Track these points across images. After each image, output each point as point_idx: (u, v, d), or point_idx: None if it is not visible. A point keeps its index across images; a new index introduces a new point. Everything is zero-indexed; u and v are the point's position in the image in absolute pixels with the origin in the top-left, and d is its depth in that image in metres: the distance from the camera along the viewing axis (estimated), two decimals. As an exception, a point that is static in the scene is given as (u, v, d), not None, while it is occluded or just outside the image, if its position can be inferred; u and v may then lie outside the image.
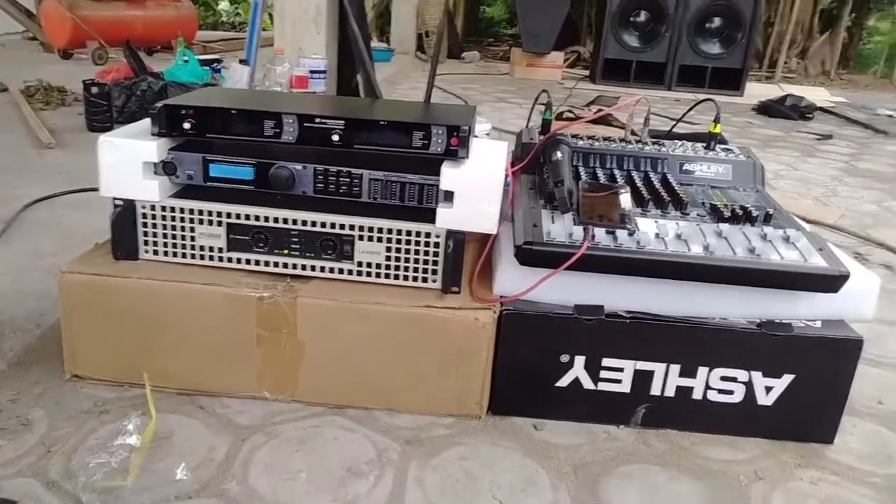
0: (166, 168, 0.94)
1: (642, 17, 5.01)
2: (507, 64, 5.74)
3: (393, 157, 0.93)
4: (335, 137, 0.92)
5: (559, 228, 0.89)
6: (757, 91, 5.00)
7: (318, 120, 0.92)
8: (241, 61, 2.58)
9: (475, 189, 0.89)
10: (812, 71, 6.55)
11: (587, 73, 5.74)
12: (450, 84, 4.48)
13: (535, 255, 0.87)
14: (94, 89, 2.33)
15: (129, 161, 0.92)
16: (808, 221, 1.95)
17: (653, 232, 0.90)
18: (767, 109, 4.13)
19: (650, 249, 0.87)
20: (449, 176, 0.90)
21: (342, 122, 0.91)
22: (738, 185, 1.13)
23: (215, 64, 2.81)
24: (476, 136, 1.79)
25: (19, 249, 1.39)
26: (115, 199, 0.94)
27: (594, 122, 3.33)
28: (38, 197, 1.63)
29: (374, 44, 6.05)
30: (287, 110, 0.92)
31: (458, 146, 0.91)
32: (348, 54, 2.85)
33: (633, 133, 1.29)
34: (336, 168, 0.94)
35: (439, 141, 0.91)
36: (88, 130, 2.39)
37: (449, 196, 0.90)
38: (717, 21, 4.94)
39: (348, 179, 0.94)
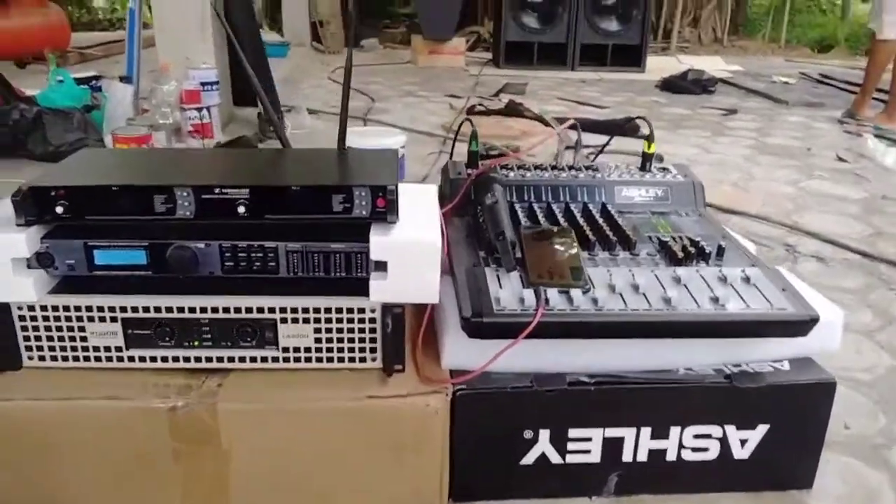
0: (41, 260, 0.78)
1: (539, -4, 4.98)
2: (408, 50, 5.61)
3: (311, 224, 0.81)
4: (241, 209, 0.79)
5: (508, 293, 0.80)
6: (657, 65, 5.08)
7: (218, 190, 0.78)
8: (122, 78, 2.35)
9: (411, 257, 0.79)
10: (705, 39, 6.74)
11: (489, 55, 5.69)
12: (352, 78, 4.31)
13: (485, 328, 0.77)
14: (-46, 125, 2.07)
15: (-7, 258, 0.76)
16: (734, 213, 1.95)
17: (607, 284, 0.83)
18: (670, 85, 4.18)
19: (609, 309, 0.79)
20: (379, 245, 0.79)
21: (247, 190, 0.79)
22: (679, 208, 1.07)
23: (94, 82, 2.56)
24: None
25: None
26: (-20, 303, 0.78)
27: (506, 113, 3.27)
28: None
29: (267, 36, 5.79)
30: (180, 181, 0.79)
31: (385, 208, 0.80)
32: (239, 60, 2.67)
33: (567, 147, 1.20)
34: (246, 242, 0.81)
35: (363, 203, 0.80)
36: (-47, 171, 2.13)
37: (381, 266, 0.79)
38: (612, -2, 4.97)
39: (262, 254, 0.82)
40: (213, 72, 2.41)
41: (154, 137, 2.02)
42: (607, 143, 1.28)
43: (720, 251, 0.91)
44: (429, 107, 3.59)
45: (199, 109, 2.30)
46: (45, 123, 2.12)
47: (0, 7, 4.01)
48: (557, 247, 0.88)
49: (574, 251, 0.87)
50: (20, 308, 0.78)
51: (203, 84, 2.37)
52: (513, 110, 3.28)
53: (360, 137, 1.82)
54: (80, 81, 2.52)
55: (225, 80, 2.64)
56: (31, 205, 0.76)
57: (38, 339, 0.80)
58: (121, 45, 4.22)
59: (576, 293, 0.80)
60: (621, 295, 0.81)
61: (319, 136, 2.79)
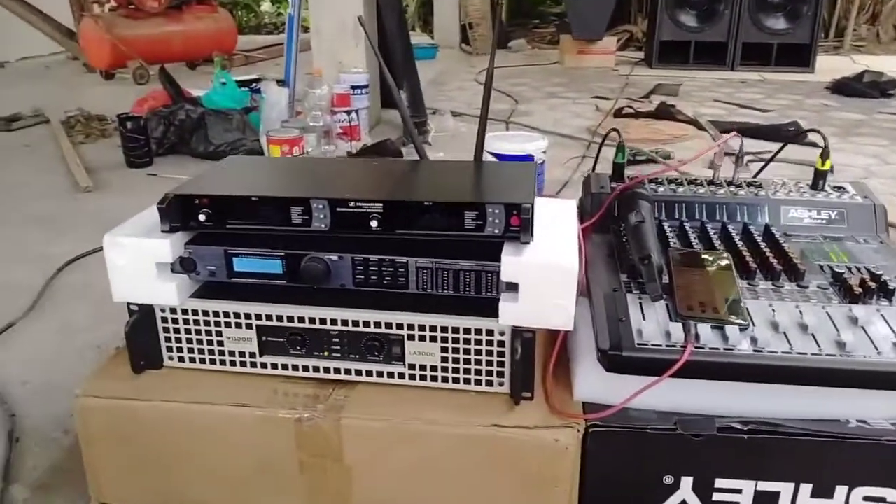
0: (184, 265, 0.81)
1: (699, -7, 4.72)
2: (556, 50, 5.51)
3: (443, 240, 0.78)
4: (374, 223, 0.77)
5: (652, 325, 0.73)
6: (827, 66, 4.66)
7: (352, 204, 0.77)
8: (279, 82, 2.46)
9: (545, 280, 0.73)
10: (884, 38, 6.10)
11: (641, 55, 5.47)
12: (498, 80, 4.29)
13: (624, 363, 0.71)
14: (130, 124, 2.25)
15: (140, 263, 0.79)
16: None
17: (769, 322, 0.73)
18: (843, 88, 3.81)
19: (771, 352, 0.70)
20: (511, 265, 0.74)
21: (380, 204, 0.77)
22: (856, 234, 0.94)
23: (254, 85, 2.70)
24: (540, 162, 1.63)
25: (49, 326, 1.30)
26: (129, 304, 0.82)
27: (656, 116, 3.12)
28: (72, 257, 1.55)
29: (418, 38, 5.90)
30: (316, 193, 0.78)
31: (519, 227, 0.75)
32: (389, 61, 2.72)
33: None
34: (377, 257, 0.79)
35: (496, 221, 0.76)
36: (127, 166, 2.32)
37: (513, 287, 0.75)
38: (780, -7, 4.61)
39: (392, 269, 0.80)
40: (364, 76, 2.47)
41: (305, 139, 2.09)
42: (774, 156, 1.15)
43: (907, 288, 0.79)
44: (574, 109, 3.50)
45: (349, 112, 2.37)
46: (207, 124, 2.26)
47: (175, 12, 4.35)
48: (711, 274, 0.79)
49: (731, 280, 0.78)
50: (163, 310, 0.81)
51: (353, 88, 2.44)
52: (664, 113, 3.12)
53: (501, 142, 1.78)
54: (241, 84, 2.68)
55: (374, 84, 2.71)
56: (176, 212, 0.79)
57: (178, 340, 0.83)
58: (282, 48, 4.47)
59: (731, 330, 0.71)
60: (786, 335, 0.71)
61: (462, 139, 2.79)
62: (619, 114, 3.19)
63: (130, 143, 2.28)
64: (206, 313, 0.81)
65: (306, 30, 3.03)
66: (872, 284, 0.79)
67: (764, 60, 4.68)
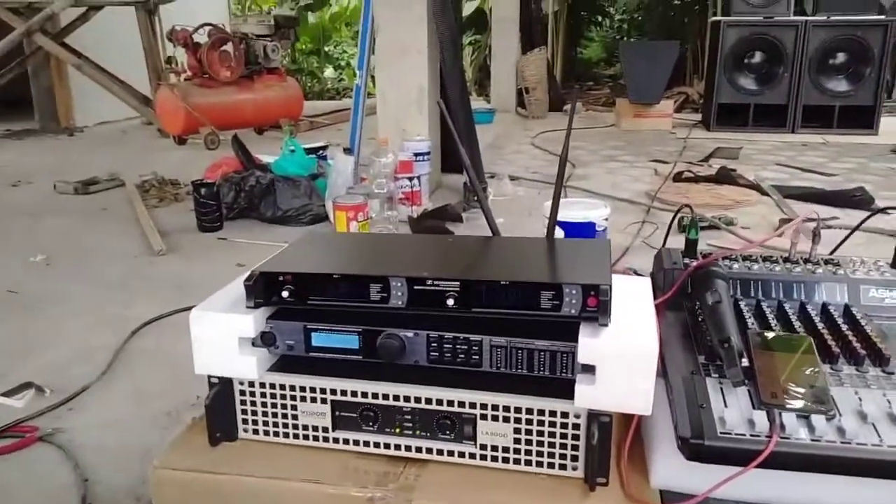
0: (265, 339, 0.83)
1: (757, 57, 4.72)
2: (611, 112, 5.55)
3: (518, 319, 0.78)
4: (450, 301, 0.78)
5: (734, 413, 0.71)
6: (891, 128, 4.57)
7: (430, 282, 0.79)
8: (346, 150, 2.54)
9: (623, 363, 0.73)
10: (953, 98, 5.96)
11: (698, 117, 5.46)
12: (555, 143, 4.34)
13: (706, 452, 0.69)
14: (203, 190, 2.35)
15: (224, 337, 0.82)
16: None
17: (856, 411, 0.71)
18: (911, 151, 3.72)
19: (859, 444, 0.67)
20: (588, 347, 0.74)
21: (457, 283, 0.78)
22: (944, 316, 0.91)
23: (321, 152, 2.80)
24: (600, 228, 1.62)
25: (123, 390, 1.34)
26: (210, 377, 0.84)
27: (717, 181, 3.09)
28: (145, 320, 1.60)
29: (475, 103, 6.04)
30: (395, 272, 0.80)
31: (597, 308, 0.75)
32: (449, 130, 2.78)
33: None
34: (452, 334, 0.80)
35: (573, 302, 0.76)
36: (199, 231, 2.41)
37: (589, 369, 0.74)
38: (841, 56, 4.57)
39: (466, 347, 0.80)
40: (426, 143, 2.54)
41: (369, 205, 2.14)
42: (853, 232, 1.13)
43: None
44: (632, 172, 3.49)
45: (411, 178, 2.42)
46: (276, 189, 2.34)
47: (246, 81, 4.56)
48: (794, 358, 0.77)
49: (815, 365, 0.76)
50: (241, 383, 0.83)
51: (416, 155, 2.51)
52: (725, 177, 3.09)
53: (563, 209, 1.77)
54: (308, 151, 2.77)
55: (435, 150, 2.77)
56: (261, 288, 0.82)
57: (254, 413, 0.84)
58: (345, 113, 4.62)
59: (818, 419, 0.69)
60: (874, 426, 0.69)
61: (520, 203, 2.82)
62: (678, 178, 3.18)
63: (203, 209, 2.37)
64: (282, 387, 0.83)
65: (369, 95, 3.14)
66: (966, 373, 0.75)
67: (825, 122, 4.62)
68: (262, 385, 0.83)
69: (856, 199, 2.59)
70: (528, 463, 0.78)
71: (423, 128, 2.62)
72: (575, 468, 0.77)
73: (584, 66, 9.61)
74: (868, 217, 1.13)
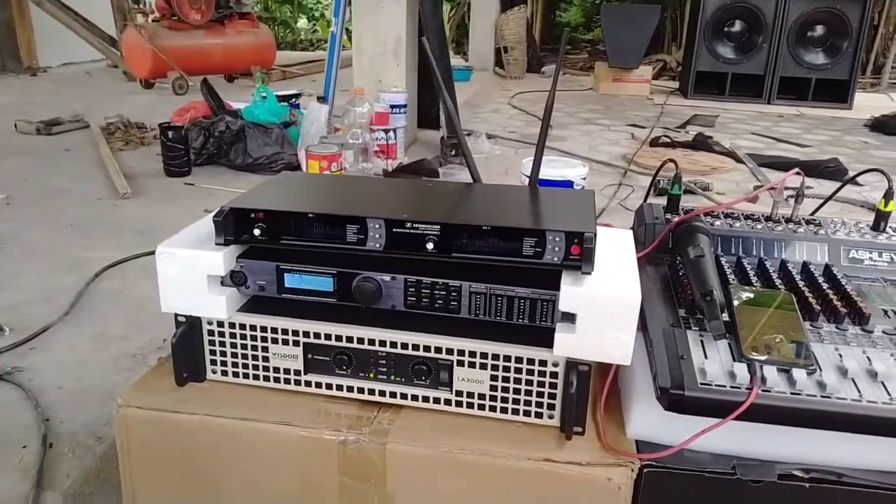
0: (235, 278, 0.80)
1: (737, 26, 4.70)
2: (589, 76, 5.51)
3: (498, 266, 0.76)
4: (430, 245, 0.76)
5: (715, 365, 0.70)
6: (865, 103, 4.61)
7: (409, 224, 0.76)
8: (320, 98, 2.48)
9: (605, 312, 0.71)
10: (925, 76, 6.03)
11: (675, 84, 5.45)
12: (532, 104, 4.30)
13: (686, 403, 0.68)
14: (171, 133, 2.27)
15: (192, 274, 0.78)
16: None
17: (836, 367, 0.70)
18: (883, 125, 3.76)
19: (839, 398, 0.67)
20: (570, 295, 0.72)
21: (437, 226, 0.75)
22: (922, 278, 0.91)
23: (293, 100, 2.72)
24: (578, 185, 1.61)
25: (85, 332, 1.30)
26: (177, 315, 0.81)
27: (694, 147, 3.09)
28: (109, 263, 1.55)
29: (452, 61, 5.94)
30: (373, 213, 0.77)
31: (580, 257, 0.73)
32: (427, 81, 2.72)
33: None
34: (431, 279, 0.78)
35: (556, 249, 0.74)
36: (166, 175, 2.34)
37: (569, 318, 0.73)
38: (819, 29, 4.58)
39: (445, 292, 0.78)
40: (403, 95, 2.48)
41: (343, 156, 2.09)
42: (834, 194, 1.13)
43: (979, 337, 0.75)
44: (609, 136, 3.48)
45: (387, 131, 2.37)
46: (247, 136, 2.27)
47: (217, 25, 4.41)
48: (776, 313, 0.77)
49: (797, 321, 0.75)
50: (210, 323, 0.80)
51: (392, 107, 2.45)
52: (701, 144, 3.09)
53: (542, 167, 1.76)
54: (281, 99, 2.70)
55: (412, 104, 2.72)
56: (231, 226, 0.78)
57: (223, 354, 0.82)
58: (319, 64, 4.51)
59: (799, 373, 0.68)
60: (854, 381, 0.69)
61: (497, 162, 2.79)
62: (655, 143, 3.17)
63: (170, 153, 2.30)
64: (253, 328, 0.80)
65: (344, 48, 3.06)
66: (943, 332, 0.75)
67: (801, 95, 4.64)
68: (232, 325, 0.80)
69: (829, 170, 2.61)
70: (505, 410, 0.77)
71: (401, 80, 2.56)
72: (551, 417, 0.76)
73: (561, 30, 9.51)
74: (847, 181, 1.12)
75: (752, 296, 0.80)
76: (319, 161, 1.94)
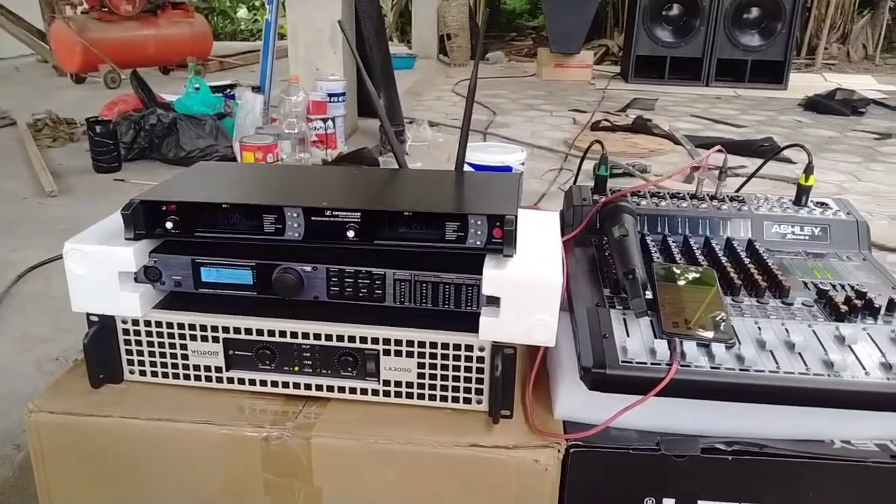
0: (149, 274, 0.77)
1: (675, 10, 4.77)
2: (533, 63, 5.53)
3: (422, 252, 0.75)
4: (350, 233, 0.74)
5: (636, 342, 0.70)
6: (800, 83, 4.74)
7: (328, 212, 0.74)
8: (254, 88, 2.42)
9: (527, 294, 0.71)
10: (854, 56, 6.23)
11: (617, 69, 5.51)
12: (477, 91, 4.28)
13: (608, 381, 0.68)
14: (98, 128, 2.19)
15: (102, 271, 0.75)
16: (889, 250, 1.74)
17: (755, 340, 0.71)
18: (816, 105, 3.87)
19: (757, 371, 0.68)
20: (493, 279, 0.71)
21: (357, 213, 0.74)
22: (839, 250, 0.93)
23: (228, 90, 2.66)
24: (517, 169, 1.61)
25: (8, 336, 1.24)
26: (89, 315, 0.77)
27: (633, 130, 3.13)
28: (33, 264, 1.49)
29: (395, 48, 5.89)
30: (290, 201, 0.75)
31: (502, 240, 0.72)
32: (367, 68, 2.69)
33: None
34: (353, 268, 0.76)
35: (478, 233, 0.73)
36: (95, 171, 2.26)
37: (494, 301, 0.72)
38: (755, 11, 4.68)
39: (368, 281, 0.77)
40: (341, 84, 2.44)
41: (279, 146, 2.05)
42: (758, 170, 1.14)
43: (891, 305, 0.77)
44: (551, 121, 3.50)
45: (325, 120, 2.33)
46: (179, 129, 2.21)
47: (149, 16, 4.28)
48: (696, 290, 0.77)
49: (717, 296, 0.76)
50: (125, 322, 0.77)
51: (330, 95, 2.41)
52: (640, 127, 3.13)
53: (479, 153, 1.75)
54: (215, 90, 2.63)
55: (351, 92, 2.68)
56: (141, 219, 0.75)
57: (140, 353, 0.78)
58: (258, 54, 4.41)
59: (718, 348, 0.69)
60: (772, 353, 0.70)
61: (439, 149, 2.77)
62: (595, 127, 3.20)
63: (98, 148, 2.21)
64: (170, 325, 0.77)
65: (284, 37, 3.00)
66: (858, 302, 0.77)
67: (738, 77, 4.74)
68: (148, 323, 0.77)
69: (763, 149, 2.67)
70: (433, 398, 0.76)
71: (338, 67, 2.52)
72: (480, 402, 0.75)
73: (507, 17, 9.53)
74: (769, 158, 1.14)
75: (674, 273, 0.81)
76: (254, 152, 1.90)
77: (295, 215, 0.74)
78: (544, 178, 2.39)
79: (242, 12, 8.89)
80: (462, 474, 0.71)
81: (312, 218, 0.74)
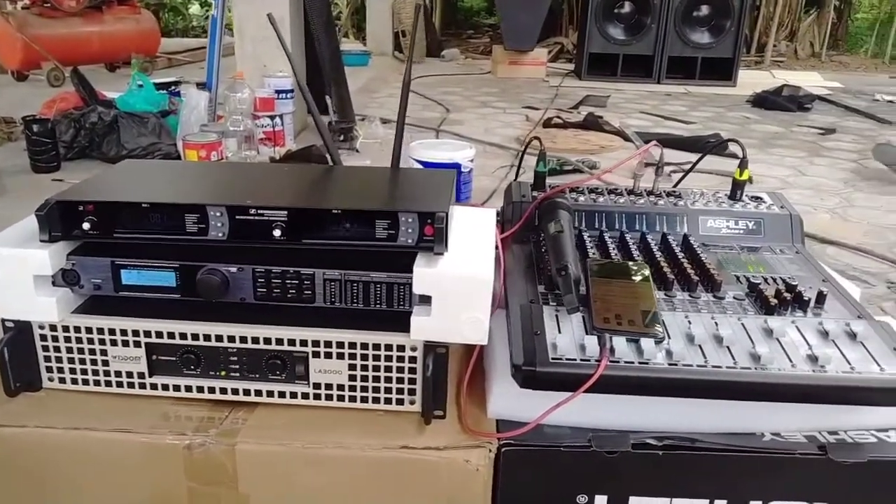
0: (67, 278, 0.74)
1: (627, 8, 4.81)
2: (489, 60, 5.53)
3: (352, 251, 0.73)
4: (277, 232, 0.72)
5: (567, 339, 0.70)
6: (749, 80, 4.82)
7: (253, 211, 0.72)
8: (200, 85, 2.37)
9: (458, 292, 0.70)
10: (802, 54, 6.38)
11: (571, 66, 5.55)
12: (430, 88, 4.28)
13: (538, 379, 0.68)
14: (36, 126, 2.12)
15: (17, 275, 0.72)
16: (831, 243, 1.78)
17: (685, 334, 0.71)
18: (763, 101, 3.94)
19: (685, 365, 0.68)
20: (423, 277, 0.70)
21: (284, 212, 0.72)
22: (774, 244, 0.94)
23: (173, 87, 2.59)
24: (465, 169, 1.60)
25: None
26: (4, 320, 0.74)
27: (584, 127, 3.15)
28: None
29: (351, 45, 5.84)
30: (213, 200, 0.72)
31: (433, 237, 0.71)
32: (315, 65, 2.65)
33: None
34: (281, 268, 0.74)
35: (409, 231, 0.72)
36: (33, 171, 2.18)
37: (425, 300, 0.71)
38: (704, 9, 4.74)
39: (297, 281, 0.75)
40: (289, 80, 2.40)
41: (224, 144, 2.01)
42: (694, 166, 1.15)
43: (820, 298, 0.78)
44: (505, 118, 3.50)
45: (272, 117, 2.29)
46: (120, 127, 2.15)
47: (94, 12, 4.16)
48: (629, 285, 0.77)
49: (649, 292, 0.76)
50: (42, 327, 0.74)
51: (278, 92, 2.37)
52: (592, 124, 3.15)
53: (428, 150, 1.74)
54: (160, 87, 2.56)
55: (300, 91, 2.64)
56: (58, 220, 0.72)
57: (59, 360, 0.75)
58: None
59: (647, 343, 0.69)
60: (701, 347, 0.70)
61: (391, 146, 2.74)
62: (548, 124, 3.21)
63: (36, 147, 2.14)
64: (89, 330, 0.74)
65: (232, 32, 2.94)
66: (787, 295, 0.78)
67: (689, 74, 4.81)
68: (66, 329, 0.74)
69: (711, 145, 2.70)
70: (365, 400, 0.75)
71: (286, 63, 2.47)
72: (413, 402, 0.74)
73: (465, 15, 9.53)
74: (705, 153, 1.16)
75: (608, 269, 0.81)
76: (197, 150, 1.85)
77: (218, 214, 0.72)
78: (495, 175, 2.38)
79: (195, 8, 8.72)
80: (392, 477, 0.70)
81: (237, 217, 0.72)
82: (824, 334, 0.72)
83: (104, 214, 0.73)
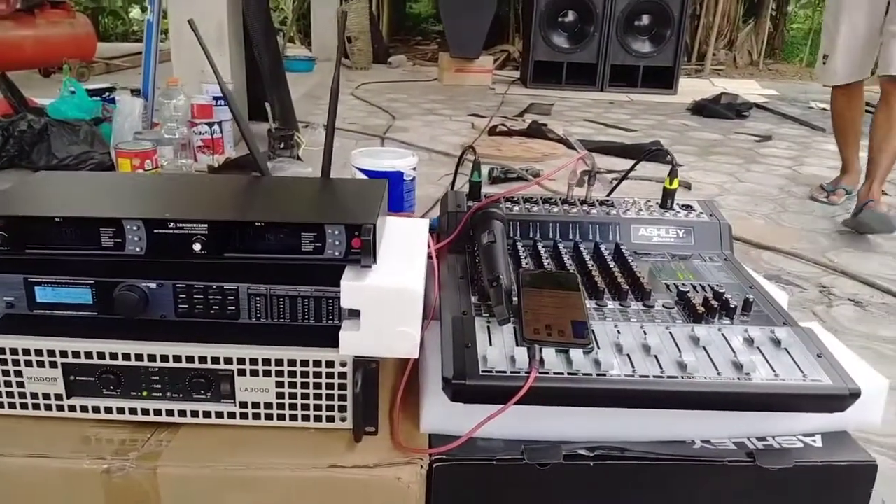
0: (-25, 296, 0.70)
1: (570, 17, 4.90)
2: (436, 67, 5.55)
3: (279, 265, 0.71)
4: (197, 246, 0.69)
5: (497, 351, 0.69)
6: (689, 88, 4.95)
7: (172, 224, 0.69)
8: (134, 91, 2.30)
9: (387, 305, 0.69)
10: (740, 62, 6.58)
11: (517, 74, 5.60)
12: (376, 95, 4.26)
13: (468, 392, 0.67)
14: (-41, 135, 2.03)
15: (-84, 294, 0.68)
16: (765, 248, 1.83)
17: (614, 343, 0.72)
18: (702, 109, 4.05)
19: (613, 375, 0.68)
20: (351, 290, 0.69)
21: (204, 225, 0.69)
22: (703, 251, 0.96)
23: (107, 94, 2.52)
24: (408, 177, 1.58)
25: None
26: None
27: (529, 134, 3.17)
28: None
29: (296, 51, 5.79)
30: (130, 213, 0.70)
31: (360, 250, 0.70)
32: (256, 71, 2.61)
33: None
34: (203, 283, 0.72)
35: (336, 243, 0.70)
36: (-44, 182, 2.09)
37: (354, 314, 0.70)
38: (645, 19, 4.86)
39: (220, 297, 0.72)
40: (228, 86, 2.35)
41: (160, 152, 1.95)
42: (626, 174, 1.17)
43: (746, 305, 0.80)
44: (451, 126, 3.51)
45: (211, 125, 2.24)
46: (50, 135, 2.07)
47: (27, 16, 4.01)
48: (560, 296, 0.77)
49: (579, 301, 0.76)
50: (-52, 349, 0.70)
51: (216, 99, 2.31)
52: (536, 131, 3.18)
53: (370, 157, 1.72)
54: (94, 93, 2.48)
55: (241, 95, 2.59)
56: (-36, 235, 0.68)
57: (-32, 383, 0.71)
58: (146, 56, 4.21)
59: (576, 353, 0.69)
60: (629, 357, 0.70)
61: (336, 154, 2.72)
62: (493, 131, 3.23)
63: (-40, 156, 2.05)
64: (2, 351, 0.70)
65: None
66: (715, 303, 0.79)
67: (631, 82, 4.91)
68: (-24, 350, 0.70)
69: (651, 153, 2.76)
70: (294, 418, 0.73)
71: (225, 69, 2.43)
72: (344, 419, 0.72)
73: (413, 22, 9.55)
74: (637, 161, 1.17)
75: (540, 279, 0.80)
76: (130, 159, 1.80)
77: (135, 228, 0.69)
78: (440, 183, 2.38)
79: (136, 13, 8.52)
80: (322, 498, 0.68)
81: (155, 231, 0.69)
82: (749, 342, 0.73)
83: (15, 229, 0.69)
